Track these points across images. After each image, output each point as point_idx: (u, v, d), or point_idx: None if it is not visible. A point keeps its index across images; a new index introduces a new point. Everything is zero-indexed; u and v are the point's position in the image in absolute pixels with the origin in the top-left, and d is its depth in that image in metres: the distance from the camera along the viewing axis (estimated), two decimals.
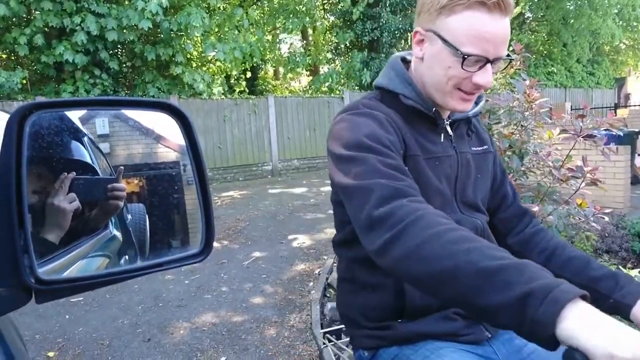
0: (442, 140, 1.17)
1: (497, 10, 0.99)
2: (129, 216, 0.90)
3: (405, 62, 1.23)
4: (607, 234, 4.18)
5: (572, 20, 17.43)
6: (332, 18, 15.63)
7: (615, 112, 12.42)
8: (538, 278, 0.70)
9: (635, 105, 18.03)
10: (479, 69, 1.03)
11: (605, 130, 4.08)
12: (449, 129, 1.19)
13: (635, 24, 18.92)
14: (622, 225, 4.42)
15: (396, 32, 14.20)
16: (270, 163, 11.69)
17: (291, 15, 13.04)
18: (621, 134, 4.26)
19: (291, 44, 16.71)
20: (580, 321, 0.64)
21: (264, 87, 15.56)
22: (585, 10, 16.72)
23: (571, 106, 14.93)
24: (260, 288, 4.26)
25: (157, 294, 4.17)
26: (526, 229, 1.30)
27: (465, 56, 1.01)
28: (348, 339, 1.97)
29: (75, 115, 0.83)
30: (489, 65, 1.03)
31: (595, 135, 3.71)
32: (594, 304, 1.05)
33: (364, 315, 1.16)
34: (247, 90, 14.08)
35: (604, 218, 3.23)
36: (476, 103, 1.23)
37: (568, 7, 17.67)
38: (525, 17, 18.81)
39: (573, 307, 0.65)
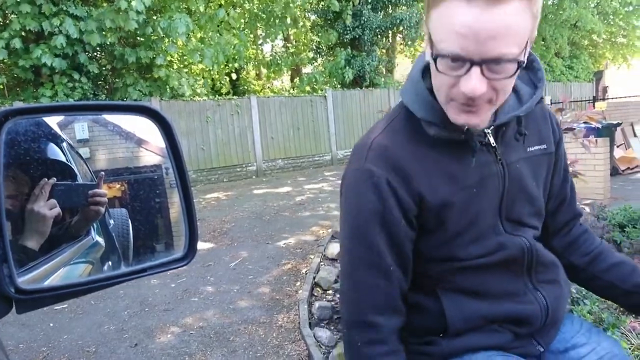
0: (476, 161, 1.00)
1: None
2: (112, 221, 0.89)
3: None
4: (588, 225, 4.25)
5: (551, 15, 17.66)
6: (313, 17, 15.62)
7: (594, 105, 12.62)
8: None
9: (613, 98, 18.35)
10: (465, 74, 0.85)
11: (584, 123, 4.16)
12: (491, 138, 1.01)
13: (612, 17, 19.24)
14: (602, 216, 4.49)
15: (377, 30, 14.27)
16: (255, 163, 11.65)
17: (271, 21, 12.98)
18: (600, 126, 4.37)
19: (273, 45, 16.66)
20: None
21: (246, 88, 15.50)
22: (567, 3, 16.93)
23: (551, 100, 15.14)
24: (247, 289, 4.24)
25: (143, 298, 4.13)
26: (572, 230, 1.22)
27: (437, 56, 0.85)
28: None
29: (53, 121, 0.82)
30: (474, 69, 0.83)
31: (575, 128, 3.77)
32: (637, 310, 1.16)
33: (408, 331, 1.09)
34: (230, 92, 14.02)
35: (585, 209, 3.28)
36: (534, 88, 1.04)
37: (547, 1, 17.91)
38: None
39: None
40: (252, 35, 14.87)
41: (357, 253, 1.00)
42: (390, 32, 15.45)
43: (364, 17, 13.76)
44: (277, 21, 12.81)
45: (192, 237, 0.76)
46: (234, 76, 14.79)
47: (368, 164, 0.99)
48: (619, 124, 9.84)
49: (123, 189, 0.90)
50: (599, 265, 1.16)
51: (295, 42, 16.49)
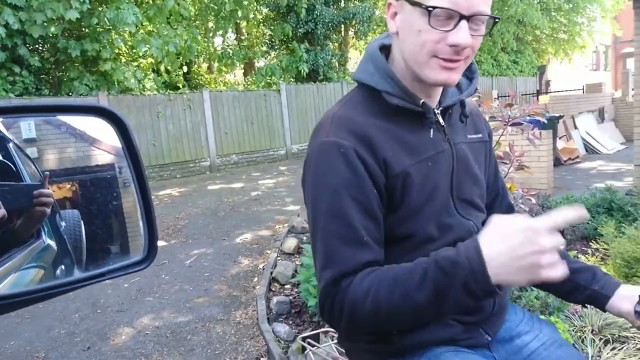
0: (431, 136, 1.06)
1: None
2: (63, 223, 0.86)
3: (385, 48, 1.10)
4: (534, 214, 4.43)
5: (497, 12, 18.21)
6: (265, 10, 15.47)
7: (538, 99, 13.13)
8: (455, 268, 0.84)
9: (555, 92, 19.17)
10: (454, 28, 0.91)
11: (529, 116, 4.33)
12: (440, 118, 1.08)
13: (554, 13, 20.03)
14: (547, 205, 4.70)
15: (330, 24, 14.30)
16: (208, 159, 11.46)
17: (222, 13, 12.75)
18: (545, 120, 4.55)
19: (225, 38, 16.36)
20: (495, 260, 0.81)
21: (197, 81, 15.20)
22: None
23: (497, 93, 15.65)
24: (204, 287, 4.19)
25: (95, 300, 4.00)
26: None
27: (430, 8, 0.90)
28: (330, 343, 1.96)
29: None
30: (463, 22, 0.90)
31: (522, 123, 3.92)
32: (571, 294, 1.18)
33: None
34: (186, 85, 13.70)
35: (530, 200, 3.43)
36: (470, 80, 1.14)
37: None
38: None
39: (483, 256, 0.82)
40: (203, 28, 14.59)
41: (331, 228, 0.96)
42: (342, 26, 15.52)
43: (316, 11, 13.74)
44: (228, 13, 12.60)
45: (152, 238, 0.74)
46: (185, 70, 14.45)
47: (333, 137, 0.99)
48: (561, 117, 10.28)
49: (74, 189, 0.86)
50: None
51: (247, 34, 16.30)
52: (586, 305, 1.18)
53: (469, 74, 1.14)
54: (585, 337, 2.70)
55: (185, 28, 11.55)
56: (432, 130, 1.05)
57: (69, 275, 0.84)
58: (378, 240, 0.99)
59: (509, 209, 1.28)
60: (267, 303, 3.62)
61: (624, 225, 4.18)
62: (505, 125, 3.83)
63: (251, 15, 14.27)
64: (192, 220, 6.55)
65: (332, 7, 14.46)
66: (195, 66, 15.74)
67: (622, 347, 2.54)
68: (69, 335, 3.42)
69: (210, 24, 14.59)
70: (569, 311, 2.88)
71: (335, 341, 1.78)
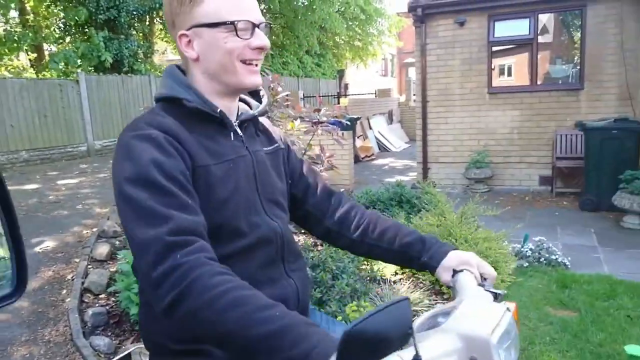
0: (232, 140, 1.15)
1: None
2: None
3: (180, 70, 1.19)
4: None
5: (302, 17, 19.28)
6: None
7: (339, 101, 14.34)
8: (300, 342, 0.76)
9: (353, 95, 21.12)
10: (252, 35, 1.09)
11: (333, 119, 4.79)
12: (238, 130, 1.18)
13: (351, 23, 21.99)
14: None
15: (134, 12, 13.51)
16: None
17: None
18: (348, 123, 5.07)
19: (7, 18, 14.18)
20: None
21: None
22: (317, 4, 18.62)
23: (303, 94, 16.65)
24: None
25: None
26: (339, 208, 1.35)
27: (236, 22, 1.07)
28: None
29: None
30: (257, 29, 1.10)
31: (329, 126, 4.33)
32: (407, 265, 1.31)
33: (172, 339, 1.07)
34: None
35: None
36: (259, 102, 1.27)
37: (298, 2, 19.49)
38: (263, 8, 20.01)
39: None
40: None
41: (144, 195, 0.93)
42: (148, 16, 14.80)
43: None
44: None
45: (21, 269, 0.72)
46: None
47: (144, 131, 1.02)
48: (358, 118, 11.44)
49: None
50: (370, 235, 1.30)
51: (34, 14, 14.43)
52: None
53: (258, 98, 1.29)
54: None
55: None
56: (232, 134, 1.15)
57: None
58: (197, 210, 0.99)
59: (331, 195, 1.37)
60: (80, 316, 3.38)
61: (411, 215, 4.93)
62: (314, 128, 4.21)
63: None
64: None
65: None
66: None
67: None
68: None
69: None
70: (373, 294, 3.34)
71: None
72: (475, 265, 1.16)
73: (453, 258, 1.19)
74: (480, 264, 1.17)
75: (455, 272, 1.15)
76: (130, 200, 0.94)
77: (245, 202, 1.12)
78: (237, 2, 1.09)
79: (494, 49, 8.28)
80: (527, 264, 4.55)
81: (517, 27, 8.00)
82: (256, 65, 1.13)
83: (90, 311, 3.39)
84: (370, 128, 13.90)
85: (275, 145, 1.30)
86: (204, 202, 1.03)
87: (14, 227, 0.71)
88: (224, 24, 1.07)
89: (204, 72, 1.13)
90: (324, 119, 4.36)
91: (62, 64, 12.63)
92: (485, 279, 1.15)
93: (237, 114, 1.21)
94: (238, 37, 1.08)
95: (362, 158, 12.07)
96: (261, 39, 1.10)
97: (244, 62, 1.11)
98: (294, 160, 1.37)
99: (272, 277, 1.16)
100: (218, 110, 1.12)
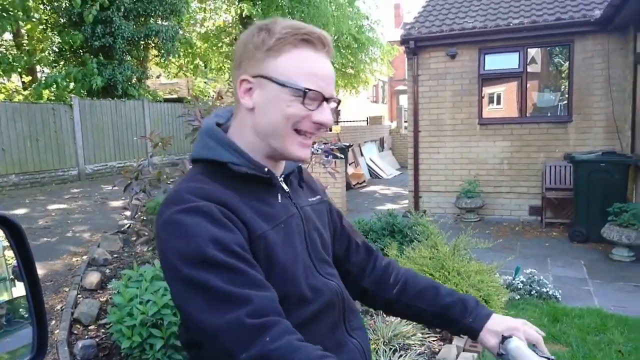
0: (280, 201, 1.08)
1: (322, 48, 1.01)
2: None
3: (219, 125, 1.11)
4: None
5: None
6: (54, 14, 13.99)
7: (331, 129, 14.45)
8: None
9: (345, 121, 21.31)
10: (317, 108, 1.00)
11: (329, 149, 4.84)
12: (284, 186, 1.11)
13: (343, 51, 22.32)
14: None
15: (130, 39, 13.62)
16: None
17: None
18: (342, 156, 5.12)
19: (2, 41, 14.24)
20: None
21: None
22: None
23: None
24: None
25: None
26: (376, 265, 1.29)
27: (307, 90, 0.97)
28: None
29: None
30: (325, 104, 1.01)
31: (325, 157, 4.38)
32: (446, 328, 1.25)
33: None
34: None
35: None
36: None
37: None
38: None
39: None
40: None
41: (209, 276, 0.86)
42: (143, 42, 14.92)
43: (114, 25, 12.93)
44: (6, 12, 11.06)
45: (42, 333, 0.71)
46: None
47: (191, 204, 0.93)
48: (350, 146, 11.52)
49: None
50: (408, 293, 1.24)
51: (28, 37, 14.51)
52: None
53: None
54: (378, 348, 3.15)
55: None
56: (279, 195, 1.08)
57: None
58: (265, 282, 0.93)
59: (368, 252, 1.32)
60: (70, 349, 3.32)
61: (404, 246, 4.94)
62: (312, 161, 4.25)
63: (36, 15, 12.74)
64: None
65: (132, 21, 13.77)
66: None
67: (406, 355, 3.05)
68: None
69: None
70: (365, 326, 3.32)
71: None
72: (522, 330, 1.13)
73: (499, 322, 1.15)
74: (526, 328, 1.14)
75: (504, 337, 1.11)
76: (194, 283, 0.87)
77: (303, 265, 1.05)
78: (314, 69, 1.00)
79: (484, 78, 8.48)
80: (518, 296, 4.57)
81: (507, 61, 8.21)
82: (310, 138, 1.04)
83: (80, 343, 3.34)
84: (362, 155, 14.01)
85: (319, 197, 1.23)
86: (266, 273, 0.95)
87: (37, 290, 0.71)
88: (293, 88, 0.98)
89: (253, 126, 1.04)
90: (319, 151, 4.41)
91: (54, 87, 12.63)
92: (534, 345, 1.11)
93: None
94: (303, 105, 0.99)
95: (354, 185, 12.12)
96: (325, 114, 1.01)
97: (297, 131, 1.01)
98: (335, 214, 1.29)
99: (339, 341, 1.10)
100: (266, 170, 1.04)
